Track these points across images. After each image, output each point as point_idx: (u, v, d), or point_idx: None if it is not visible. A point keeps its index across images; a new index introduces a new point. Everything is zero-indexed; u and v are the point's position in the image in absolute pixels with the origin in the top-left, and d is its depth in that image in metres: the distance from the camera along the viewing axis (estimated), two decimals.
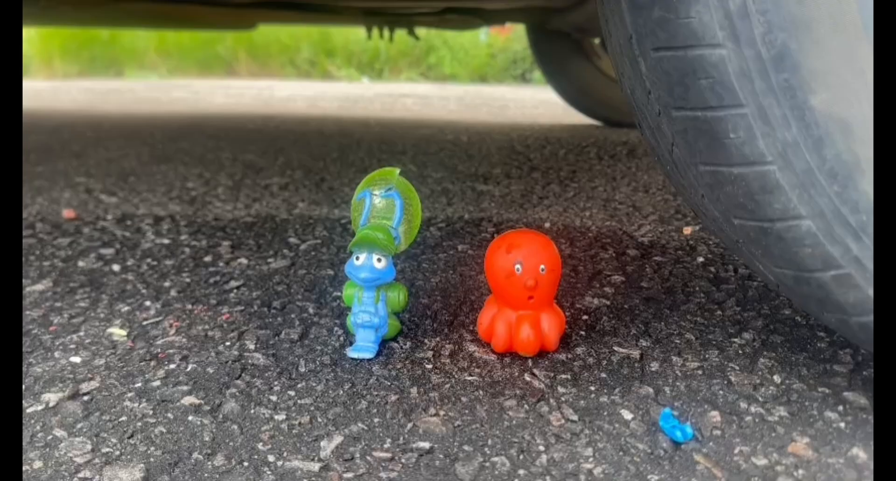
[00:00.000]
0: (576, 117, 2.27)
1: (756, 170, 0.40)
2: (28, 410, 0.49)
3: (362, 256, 0.56)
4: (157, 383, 0.53)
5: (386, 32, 1.97)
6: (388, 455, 0.45)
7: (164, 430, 0.47)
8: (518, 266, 0.55)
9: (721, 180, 0.42)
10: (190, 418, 0.49)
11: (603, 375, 0.55)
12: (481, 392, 0.52)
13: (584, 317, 0.66)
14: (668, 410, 0.48)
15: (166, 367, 0.56)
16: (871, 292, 0.41)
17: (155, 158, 1.50)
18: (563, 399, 0.51)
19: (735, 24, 0.38)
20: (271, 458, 0.44)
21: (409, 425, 0.48)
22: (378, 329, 0.57)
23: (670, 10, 0.39)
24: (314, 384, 0.53)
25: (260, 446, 0.45)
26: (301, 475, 0.43)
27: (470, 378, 0.54)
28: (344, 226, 0.97)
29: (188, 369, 0.55)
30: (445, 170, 1.38)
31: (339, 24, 2.37)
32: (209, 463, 0.44)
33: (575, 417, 0.49)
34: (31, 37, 4.54)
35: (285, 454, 0.45)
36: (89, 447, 0.45)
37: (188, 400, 0.51)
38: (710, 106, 0.40)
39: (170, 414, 0.49)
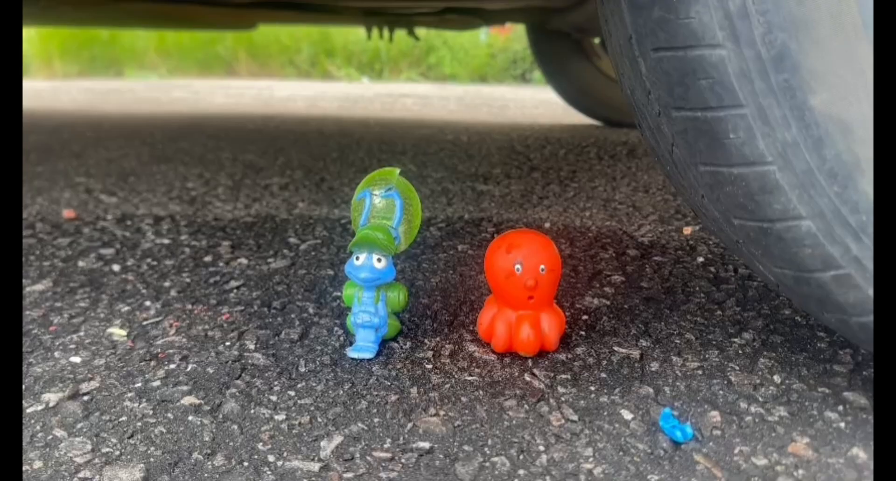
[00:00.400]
0: (576, 117, 2.27)
1: (756, 171, 0.40)
2: (28, 410, 0.49)
3: (362, 256, 0.56)
4: (157, 383, 0.53)
5: (386, 32, 1.97)
6: (388, 455, 0.45)
7: (164, 430, 0.47)
8: (518, 266, 0.55)
9: (721, 180, 0.42)
10: (190, 418, 0.49)
11: (603, 375, 0.55)
12: (481, 392, 0.52)
13: (584, 317, 0.66)
14: (668, 410, 0.48)
15: (166, 367, 0.56)
16: (871, 292, 0.41)
17: (155, 158, 1.50)
18: (563, 399, 0.51)
19: (735, 25, 0.38)
20: (271, 458, 0.44)
21: (409, 425, 0.48)
22: (378, 329, 0.57)
23: (670, 10, 0.39)
24: (314, 384, 0.53)
25: (260, 446, 0.45)
26: (301, 475, 0.43)
27: (470, 378, 0.54)
28: (344, 226, 0.97)
29: (188, 369, 0.55)
30: (445, 170, 1.38)
31: (339, 24, 2.37)
32: (209, 463, 0.44)
33: (575, 417, 0.49)
34: (31, 37, 4.54)
35: (285, 454, 0.45)
36: (89, 447, 0.45)
37: (188, 400, 0.51)
38: (709, 106, 0.40)
39: (170, 414, 0.49)
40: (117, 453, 0.45)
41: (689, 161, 0.44)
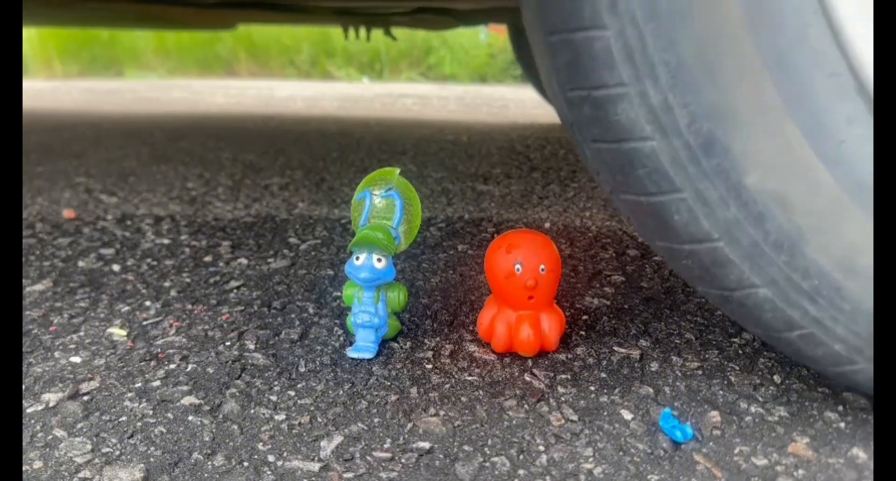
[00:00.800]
0: None
1: (705, 247, 0.42)
2: (28, 410, 0.49)
3: (362, 256, 0.56)
4: (157, 383, 0.53)
5: (363, 32, 1.95)
6: (388, 455, 0.45)
7: (164, 430, 0.47)
8: (518, 266, 0.55)
9: (676, 255, 0.44)
10: (190, 418, 0.49)
11: (603, 375, 0.55)
12: (481, 392, 0.52)
13: (584, 317, 0.66)
14: (668, 410, 0.48)
15: (166, 367, 0.56)
16: (837, 347, 0.43)
17: (155, 158, 1.50)
18: (563, 399, 0.51)
19: (660, 118, 0.40)
20: (271, 458, 0.44)
21: (409, 425, 0.48)
22: (378, 329, 0.57)
23: (599, 108, 0.41)
24: (314, 384, 0.53)
25: (260, 446, 0.45)
26: (301, 475, 0.43)
27: (470, 378, 0.54)
28: (344, 226, 0.97)
29: (188, 369, 0.55)
30: (445, 170, 1.38)
31: (314, 23, 2.35)
32: (209, 463, 0.44)
33: (575, 417, 0.49)
34: (31, 37, 4.54)
35: (285, 454, 0.45)
36: (89, 447, 0.45)
37: (188, 400, 0.51)
38: (650, 192, 0.42)
39: (170, 414, 0.49)
40: (117, 453, 0.45)
41: (646, 236, 0.46)
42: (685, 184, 0.40)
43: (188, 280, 0.76)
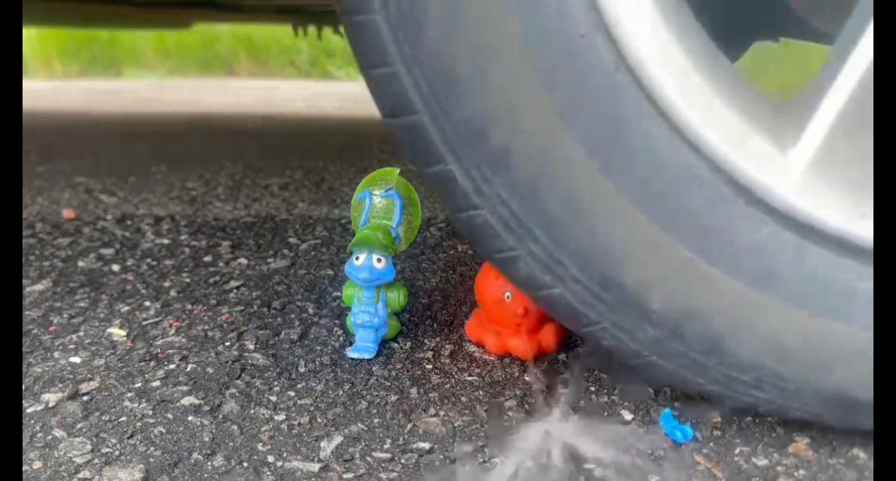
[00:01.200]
0: None
1: (643, 361, 0.46)
2: (28, 410, 0.49)
3: (362, 256, 0.56)
4: (157, 383, 0.53)
5: (313, 31, 1.93)
6: (388, 455, 0.45)
7: (164, 430, 0.47)
8: (507, 293, 0.55)
9: (628, 363, 0.47)
10: (190, 418, 0.49)
11: (603, 375, 0.55)
12: (481, 392, 0.52)
13: None
14: (668, 410, 0.48)
15: (166, 367, 0.56)
16: (800, 414, 0.46)
17: (155, 158, 1.50)
18: (562, 399, 0.51)
19: (554, 270, 0.44)
20: (271, 458, 0.44)
21: (409, 425, 0.48)
22: (378, 329, 0.57)
23: (504, 267, 0.46)
24: (314, 384, 0.53)
25: (260, 446, 0.45)
26: (301, 475, 0.43)
27: (470, 378, 0.54)
28: (344, 226, 0.97)
29: (188, 369, 0.55)
30: None
31: (262, 22, 2.33)
32: (209, 463, 0.44)
33: (575, 417, 0.49)
34: (31, 37, 4.54)
35: (285, 454, 0.45)
36: (89, 447, 0.45)
37: (188, 400, 0.51)
38: (576, 325, 0.46)
39: (170, 415, 0.49)
40: (117, 453, 0.45)
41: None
42: (600, 318, 0.45)
43: (188, 280, 0.76)
